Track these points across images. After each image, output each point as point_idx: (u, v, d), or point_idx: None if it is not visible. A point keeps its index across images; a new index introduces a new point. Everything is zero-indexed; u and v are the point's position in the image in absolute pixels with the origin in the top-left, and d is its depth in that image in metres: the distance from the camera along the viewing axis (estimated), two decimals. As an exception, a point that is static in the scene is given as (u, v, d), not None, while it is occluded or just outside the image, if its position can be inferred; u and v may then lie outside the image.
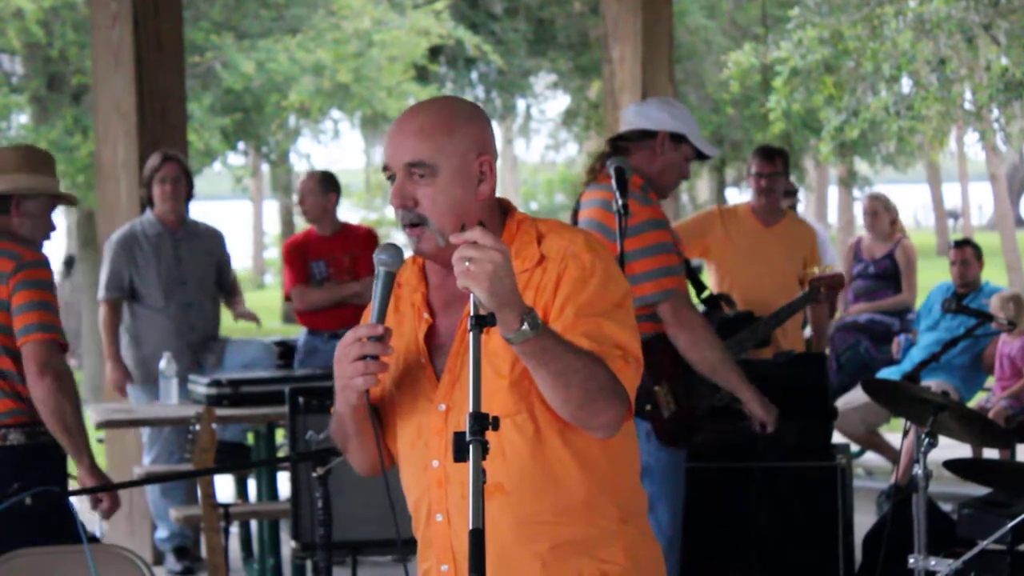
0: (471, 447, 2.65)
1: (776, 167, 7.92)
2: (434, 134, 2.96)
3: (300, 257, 8.37)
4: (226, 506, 5.88)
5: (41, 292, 4.93)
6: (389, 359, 2.94)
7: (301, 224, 29.41)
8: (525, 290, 2.93)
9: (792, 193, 10.56)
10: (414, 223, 2.96)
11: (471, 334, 2.74)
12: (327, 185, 8.41)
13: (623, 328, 2.97)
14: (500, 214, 3.06)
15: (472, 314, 2.76)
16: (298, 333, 8.65)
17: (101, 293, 7.74)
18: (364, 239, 8.50)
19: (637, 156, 5.46)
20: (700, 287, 6.15)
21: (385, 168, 3.00)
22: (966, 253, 9.26)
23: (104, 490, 5.10)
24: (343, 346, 2.88)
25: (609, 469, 3.04)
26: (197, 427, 5.01)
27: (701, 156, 5.62)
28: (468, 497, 2.73)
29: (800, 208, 29.54)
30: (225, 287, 8.03)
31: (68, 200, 5.31)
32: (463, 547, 2.79)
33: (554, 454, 2.97)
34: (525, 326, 2.78)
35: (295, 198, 8.55)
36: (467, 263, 2.76)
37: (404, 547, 3.10)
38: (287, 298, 8.56)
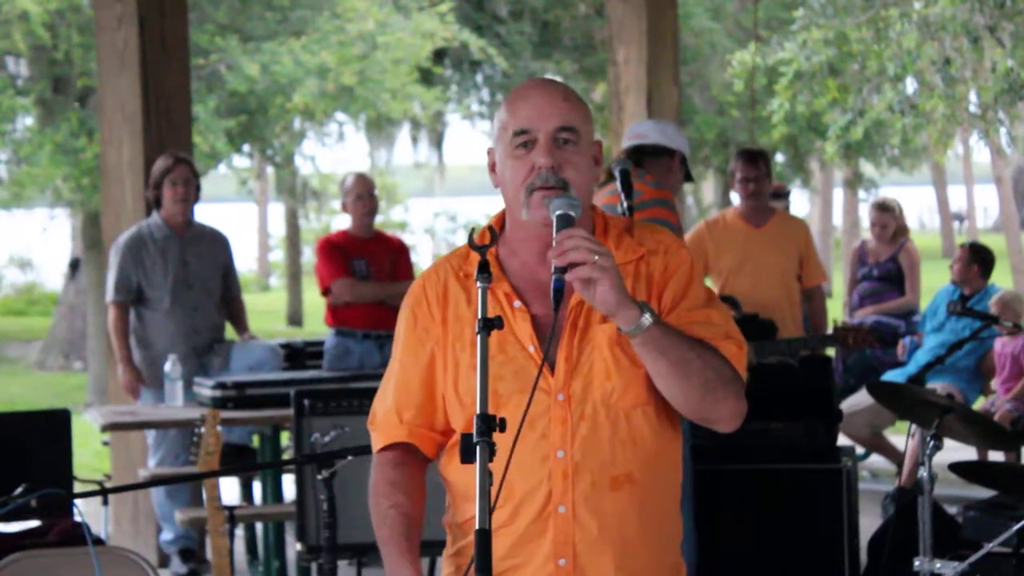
0: (478, 448, 2.65)
1: (760, 170, 7.97)
2: (578, 104, 2.97)
3: (341, 253, 8.33)
4: (231, 508, 5.89)
5: None
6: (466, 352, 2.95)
7: (306, 226, 29.47)
8: (633, 281, 2.95)
9: (785, 195, 10.56)
10: (555, 185, 2.90)
11: (479, 337, 2.74)
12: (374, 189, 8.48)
13: (724, 314, 3.01)
14: None
15: (480, 316, 2.75)
16: (300, 336, 8.61)
17: (110, 296, 7.72)
18: (398, 246, 8.57)
19: (654, 170, 5.54)
20: None
21: (523, 132, 2.92)
22: (964, 255, 9.25)
23: (109, 492, 5.10)
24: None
25: None
26: (202, 429, 5.01)
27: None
28: (598, 487, 2.84)
29: (805, 210, 29.64)
30: (231, 292, 8.02)
31: None
32: (588, 540, 2.84)
33: (671, 445, 3.01)
34: (645, 317, 2.82)
35: (341, 199, 8.46)
36: (581, 255, 2.75)
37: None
38: (325, 292, 8.40)
